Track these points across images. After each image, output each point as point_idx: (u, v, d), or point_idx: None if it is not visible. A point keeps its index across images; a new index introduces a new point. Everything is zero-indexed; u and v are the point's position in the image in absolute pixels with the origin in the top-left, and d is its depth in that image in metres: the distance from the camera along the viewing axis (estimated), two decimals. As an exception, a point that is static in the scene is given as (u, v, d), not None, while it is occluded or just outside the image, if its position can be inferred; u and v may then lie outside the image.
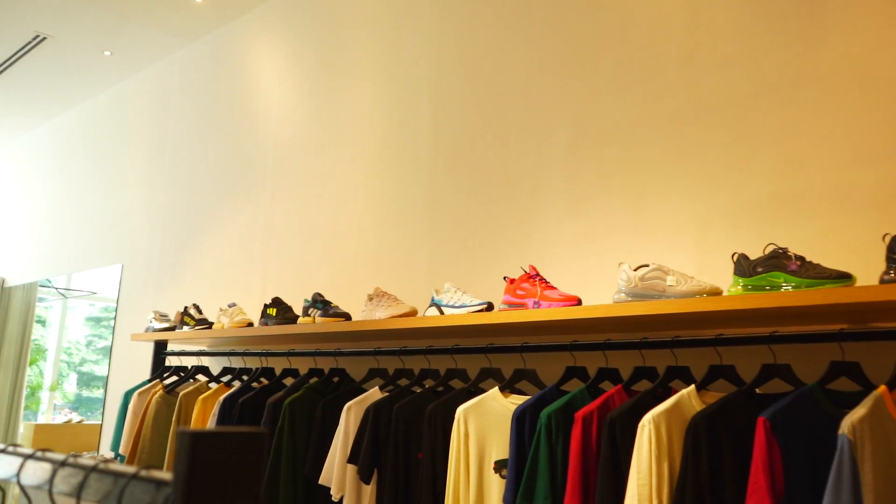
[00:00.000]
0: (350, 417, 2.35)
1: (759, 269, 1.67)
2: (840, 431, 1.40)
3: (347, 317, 2.64)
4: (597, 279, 2.31)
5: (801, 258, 1.64)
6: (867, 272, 1.66)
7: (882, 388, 1.45)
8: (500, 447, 1.98)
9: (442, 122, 2.95)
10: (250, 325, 3.07)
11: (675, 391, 1.74)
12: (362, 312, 2.58)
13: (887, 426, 1.42)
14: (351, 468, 2.28)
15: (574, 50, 2.54)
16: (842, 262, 1.79)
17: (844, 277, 1.55)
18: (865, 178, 1.82)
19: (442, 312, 2.30)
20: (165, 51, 4.80)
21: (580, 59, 2.51)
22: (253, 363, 3.44)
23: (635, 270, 1.87)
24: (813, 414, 1.52)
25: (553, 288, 2.08)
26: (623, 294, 1.87)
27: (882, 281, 1.49)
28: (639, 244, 2.25)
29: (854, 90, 1.88)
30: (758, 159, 2.03)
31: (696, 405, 1.70)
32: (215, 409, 2.84)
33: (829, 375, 1.58)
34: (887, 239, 1.51)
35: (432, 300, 2.36)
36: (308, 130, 3.61)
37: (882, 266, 1.53)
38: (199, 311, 3.45)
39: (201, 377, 3.39)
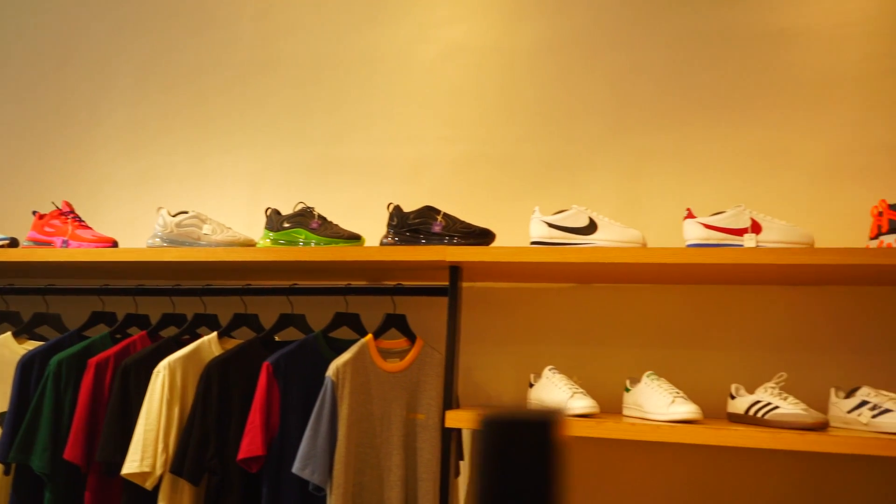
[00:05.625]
0: None
1: (286, 225, 1.78)
2: (327, 374, 1.57)
3: None
4: (153, 223, 2.22)
5: (323, 218, 1.79)
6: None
7: (368, 336, 1.66)
8: (5, 398, 1.78)
9: (-12, 27, 2.52)
10: None
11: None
12: None
13: (368, 369, 1.63)
14: None
15: (150, -21, 2.37)
16: (370, 227, 2.00)
17: (354, 238, 1.73)
18: (397, 153, 2.06)
19: (-49, 246, 1.98)
20: None
21: (155, -9, 2.36)
22: None
23: (174, 216, 1.84)
24: (314, 358, 1.68)
25: (88, 228, 1.94)
26: (158, 239, 1.83)
27: (381, 243, 1.70)
28: (198, 192, 2.22)
29: (394, 76, 2.10)
30: (312, 124, 2.15)
31: (216, 351, 1.74)
32: None
33: (332, 325, 1.75)
34: (391, 207, 1.73)
35: (-59, 231, 2.02)
36: None
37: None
38: None
39: None
